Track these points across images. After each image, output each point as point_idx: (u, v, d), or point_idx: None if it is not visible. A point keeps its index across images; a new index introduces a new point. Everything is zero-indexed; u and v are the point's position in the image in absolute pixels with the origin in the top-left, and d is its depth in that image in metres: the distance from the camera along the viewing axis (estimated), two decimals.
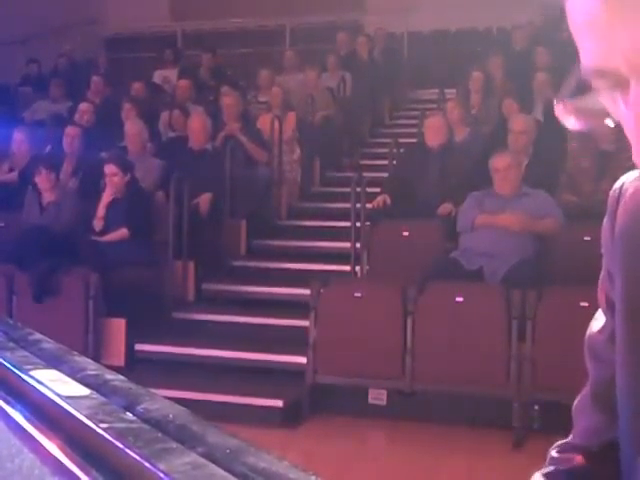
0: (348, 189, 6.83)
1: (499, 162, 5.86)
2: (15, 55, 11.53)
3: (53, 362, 0.89)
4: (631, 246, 0.92)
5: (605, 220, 0.97)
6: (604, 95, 0.69)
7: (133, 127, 7.53)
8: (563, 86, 0.72)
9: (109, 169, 6.58)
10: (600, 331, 1.00)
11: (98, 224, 6.49)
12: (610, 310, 0.96)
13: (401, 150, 7.87)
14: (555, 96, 0.71)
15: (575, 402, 1.05)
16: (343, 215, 7.14)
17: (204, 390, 5.47)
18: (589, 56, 0.69)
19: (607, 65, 0.66)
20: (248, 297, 6.90)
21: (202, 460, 0.61)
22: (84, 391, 0.78)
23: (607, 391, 0.97)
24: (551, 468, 1.03)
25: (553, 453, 1.05)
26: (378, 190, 6.74)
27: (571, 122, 0.72)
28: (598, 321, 1.02)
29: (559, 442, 1.06)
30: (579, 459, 1.00)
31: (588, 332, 1.03)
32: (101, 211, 6.52)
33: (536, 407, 5.02)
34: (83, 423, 0.69)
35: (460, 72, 9.09)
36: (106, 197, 6.57)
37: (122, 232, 6.44)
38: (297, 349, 5.65)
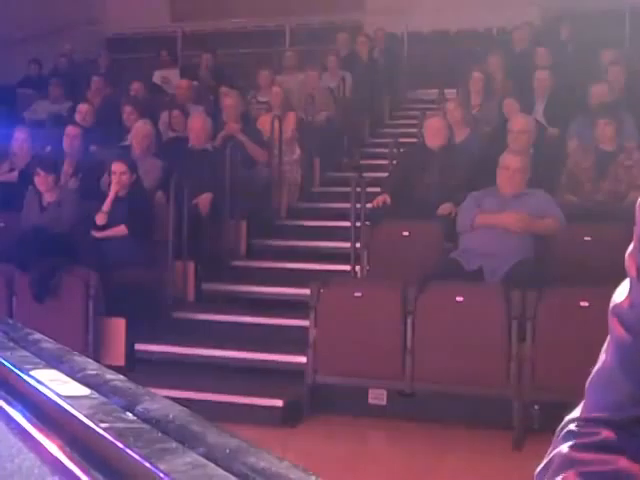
0: (348, 189, 6.83)
1: (511, 161, 5.81)
2: (15, 55, 11.52)
3: (53, 362, 0.89)
4: None
5: None
6: None
7: (143, 128, 7.50)
8: None
9: (118, 167, 6.60)
10: (629, 302, 1.00)
11: (101, 218, 6.48)
12: None
13: (401, 150, 7.86)
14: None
15: (591, 377, 1.03)
16: (343, 215, 7.14)
17: (204, 390, 5.47)
18: None
19: None
20: (248, 297, 6.90)
21: (202, 460, 0.61)
22: (84, 391, 0.78)
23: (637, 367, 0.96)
24: (574, 441, 1.00)
25: (572, 427, 1.02)
26: (378, 190, 6.74)
27: None
28: (623, 291, 1.02)
29: (571, 417, 1.03)
30: (606, 433, 0.98)
31: (614, 303, 1.02)
32: (107, 205, 6.52)
33: (536, 407, 5.02)
34: (83, 423, 0.69)
35: (460, 72, 9.08)
36: (112, 193, 6.57)
37: (121, 229, 6.45)
38: (297, 349, 5.65)
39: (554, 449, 1.02)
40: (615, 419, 0.98)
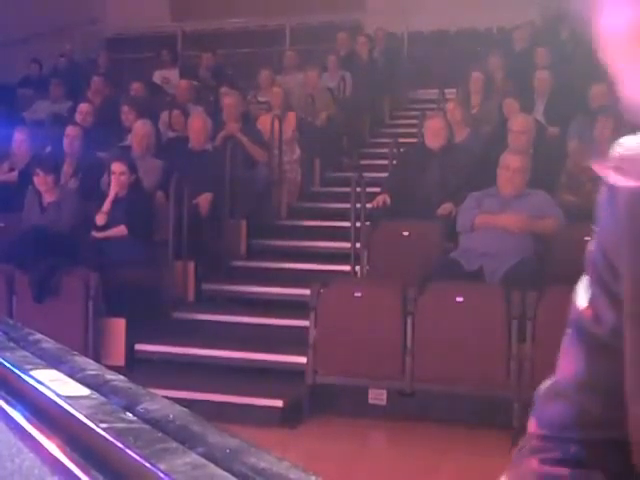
0: (348, 189, 6.83)
1: (512, 161, 5.80)
2: (15, 55, 11.53)
3: (53, 362, 0.89)
4: None
5: (604, 200, 0.91)
6: None
7: (144, 127, 7.50)
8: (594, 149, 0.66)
9: (118, 167, 6.59)
10: (597, 321, 0.92)
11: (101, 218, 6.48)
12: (613, 305, 0.90)
13: (401, 150, 7.86)
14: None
15: (547, 387, 0.96)
16: (343, 215, 7.14)
17: (204, 390, 5.46)
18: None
19: None
20: (248, 297, 6.90)
21: (202, 460, 0.61)
22: (84, 391, 0.78)
23: (609, 382, 0.89)
24: (541, 456, 0.94)
25: (534, 443, 0.95)
26: (378, 190, 6.74)
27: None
28: (583, 298, 0.94)
29: (531, 432, 0.96)
30: (574, 447, 0.92)
31: (576, 312, 0.95)
32: (107, 206, 6.51)
33: None
34: (83, 423, 0.69)
35: (460, 72, 9.08)
36: (112, 193, 6.56)
37: (120, 229, 6.44)
38: (297, 349, 5.65)
39: (519, 463, 0.96)
40: (580, 438, 0.92)
